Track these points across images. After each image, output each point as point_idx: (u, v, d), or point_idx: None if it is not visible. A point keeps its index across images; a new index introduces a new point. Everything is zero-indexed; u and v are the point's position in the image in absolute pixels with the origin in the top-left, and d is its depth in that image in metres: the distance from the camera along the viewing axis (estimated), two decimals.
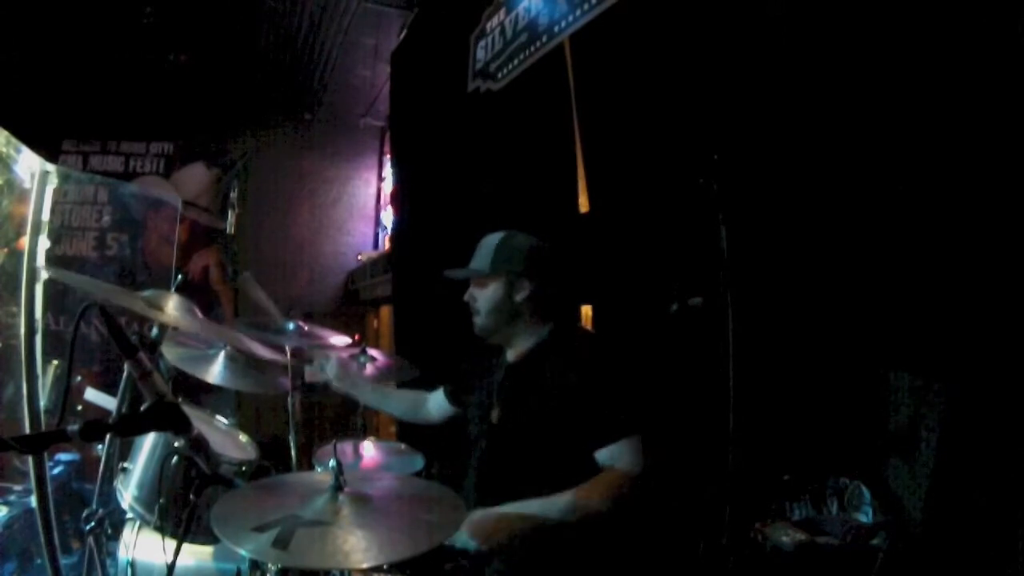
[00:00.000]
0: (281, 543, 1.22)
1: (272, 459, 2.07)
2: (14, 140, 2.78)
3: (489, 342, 1.98)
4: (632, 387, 1.78)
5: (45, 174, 2.74)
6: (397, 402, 2.51)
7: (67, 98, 5.60)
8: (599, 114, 2.70)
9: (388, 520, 1.36)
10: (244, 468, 1.97)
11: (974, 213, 1.66)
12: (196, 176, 6.36)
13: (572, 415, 1.72)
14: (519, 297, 1.87)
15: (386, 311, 6.30)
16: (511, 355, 1.96)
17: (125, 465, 1.90)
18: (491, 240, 1.93)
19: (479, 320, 1.93)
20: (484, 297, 1.91)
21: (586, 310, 2.76)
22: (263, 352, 2.34)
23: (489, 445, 1.91)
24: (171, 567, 1.38)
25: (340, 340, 2.77)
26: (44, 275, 2.66)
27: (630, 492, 1.65)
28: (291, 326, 2.66)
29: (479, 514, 1.64)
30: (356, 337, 2.86)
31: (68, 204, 5.16)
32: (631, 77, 2.49)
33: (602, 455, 1.69)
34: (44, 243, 2.70)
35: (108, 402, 2.39)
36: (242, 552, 1.35)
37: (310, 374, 2.53)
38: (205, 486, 1.41)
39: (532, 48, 3.04)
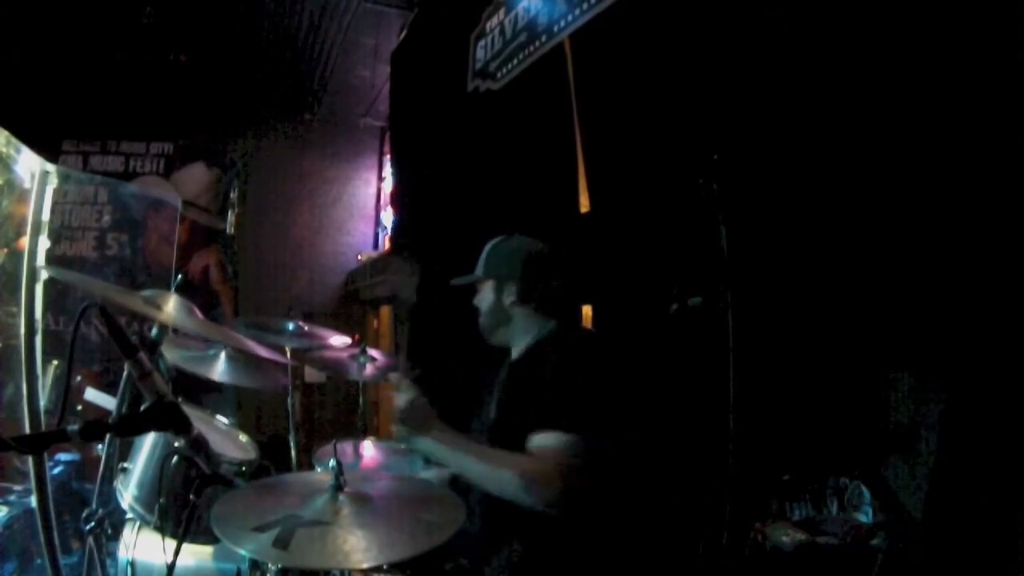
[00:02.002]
0: (281, 543, 1.22)
1: (272, 459, 2.07)
2: (14, 140, 2.78)
3: (491, 343, 2.01)
4: (609, 390, 1.72)
5: (45, 174, 2.73)
6: None
7: (67, 98, 5.58)
8: (599, 114, 2.70)
9: (388, 520, 1.36)
10: (244, 468, 1.96)
11: (974, 213, 1.66)
12: (196, 176, 6.35)
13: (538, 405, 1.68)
14: (507, 300, 1.91)
15: (386, 311, 6.30)
16: (514, 353, 1.98)
17: (125, 465, 1.89)
18: (488, 245, 2.00)
19: (480, 321, 2.00)
20: (481, 300, 1.98)
21: (586, 310, 2.76)
22: (263, 352, 2.34)
23: (488, 442, 1.91)
24: (171, 567, 1.38)
25: (340, 340, 2.77)
26: (44, 275, 2.65)
27: (561, 490, 1.54)
28: (291, 326, 2.67)
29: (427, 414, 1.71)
30: (356, 337, 2.86)
31: (68, 204, 5.16)
32: (631, 77, 2.49)
33: (536, 440, 1.62)
34: (44, 243, 2.69)
35: (108, 402, 2.39)
36: (242, 552, 1.36)
37: (310, 374, 2.54)
38: (205, 486, 1.41)
39: (532, 47, 3.04)
